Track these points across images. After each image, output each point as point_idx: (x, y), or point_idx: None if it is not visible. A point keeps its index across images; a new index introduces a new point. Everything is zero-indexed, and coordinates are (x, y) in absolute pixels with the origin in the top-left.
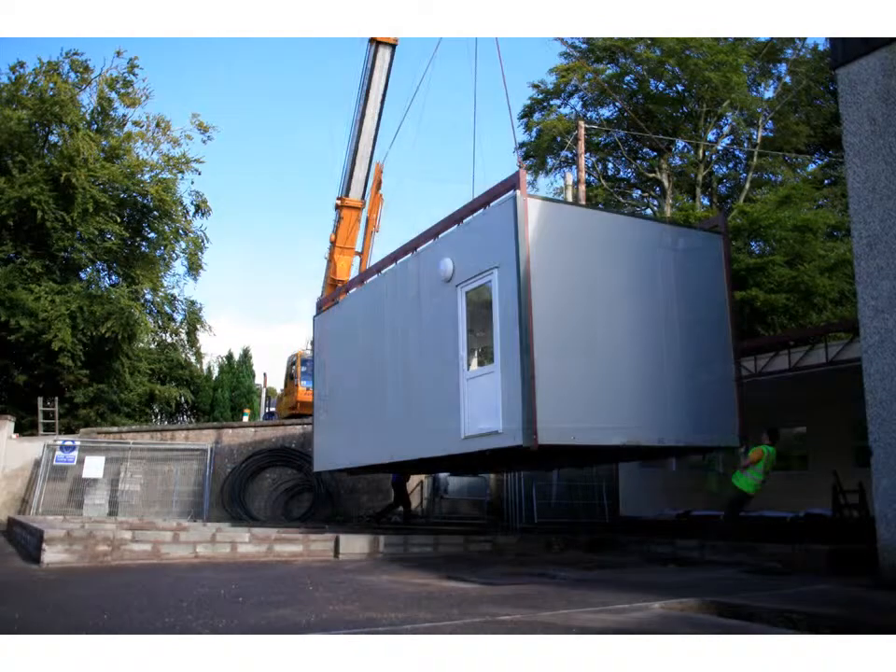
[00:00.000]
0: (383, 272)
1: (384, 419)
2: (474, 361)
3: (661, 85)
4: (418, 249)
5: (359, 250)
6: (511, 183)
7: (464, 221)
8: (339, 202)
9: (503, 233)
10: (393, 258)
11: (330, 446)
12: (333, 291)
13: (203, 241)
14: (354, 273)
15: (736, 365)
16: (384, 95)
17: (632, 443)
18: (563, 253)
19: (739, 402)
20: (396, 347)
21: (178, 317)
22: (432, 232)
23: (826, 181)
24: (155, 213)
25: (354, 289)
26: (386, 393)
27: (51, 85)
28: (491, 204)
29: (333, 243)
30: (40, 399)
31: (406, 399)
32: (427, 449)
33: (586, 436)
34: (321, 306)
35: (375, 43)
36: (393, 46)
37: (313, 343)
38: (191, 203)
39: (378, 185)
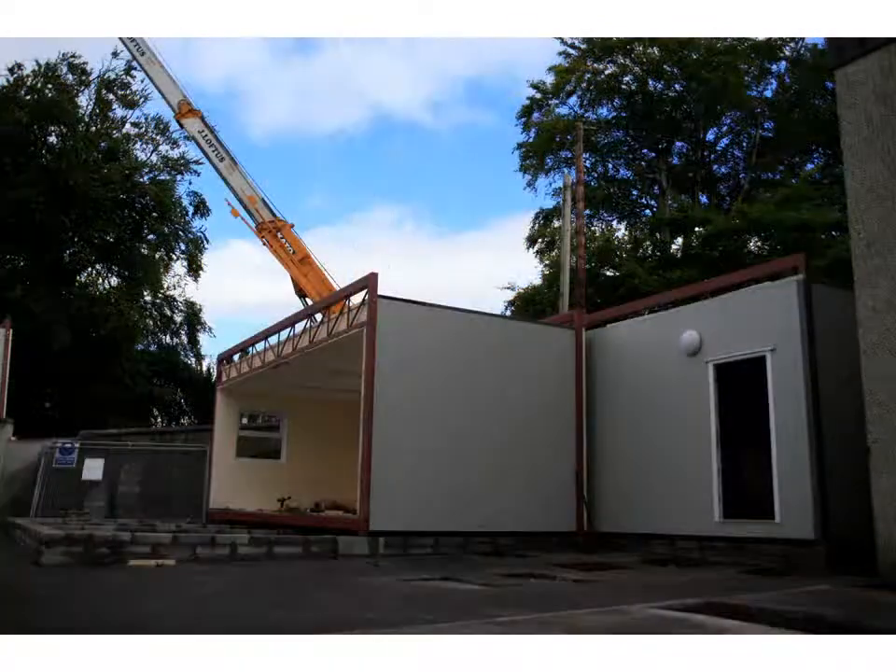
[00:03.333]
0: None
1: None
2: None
3: (660, 85)
4: (646, 316)
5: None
6: (791, 264)
7: (719, 297)
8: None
9: (783, 315)
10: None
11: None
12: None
13: (202, 242)
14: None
15: None
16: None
17: None
18: (833, 342)
19: None
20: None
21: (178, 319)
22: (659, 301)
23: (824, 180)
24: (154, 214)
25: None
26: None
27: (49, 87)
28: (762, 284)
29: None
30: (40, 401)
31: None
32: (661, 526)
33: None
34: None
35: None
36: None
37: None
38: (190, 204)
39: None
